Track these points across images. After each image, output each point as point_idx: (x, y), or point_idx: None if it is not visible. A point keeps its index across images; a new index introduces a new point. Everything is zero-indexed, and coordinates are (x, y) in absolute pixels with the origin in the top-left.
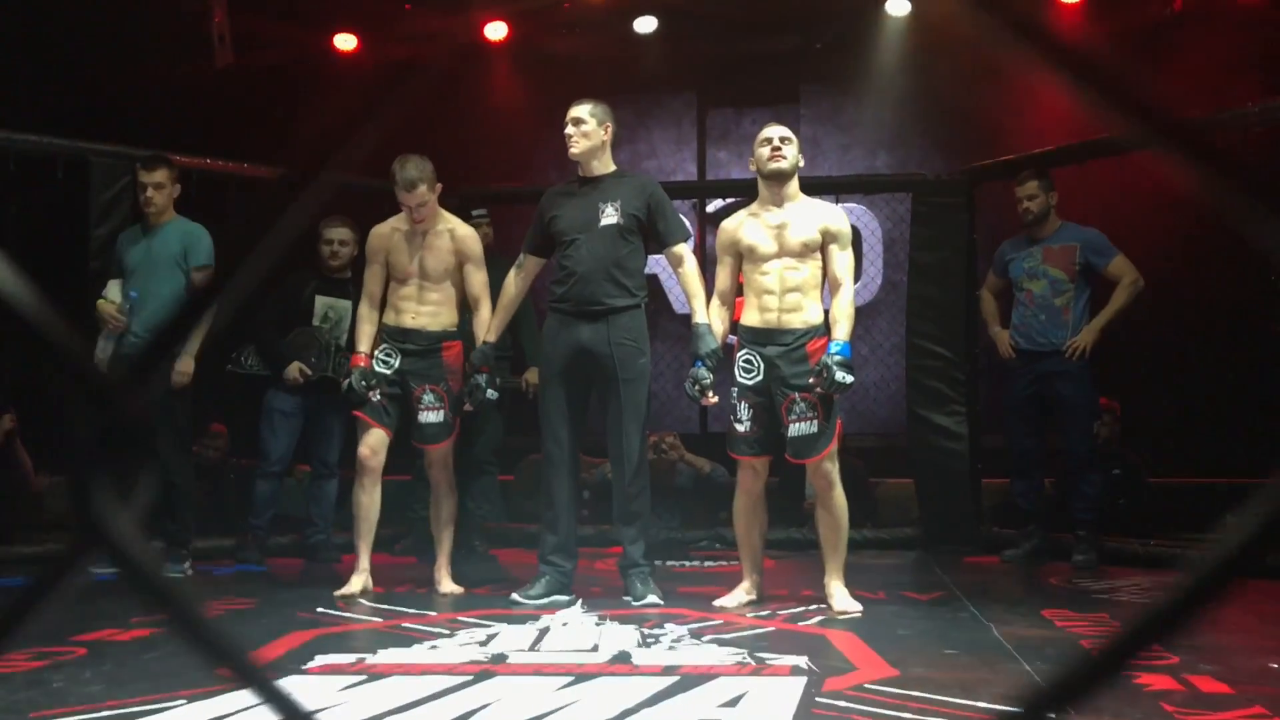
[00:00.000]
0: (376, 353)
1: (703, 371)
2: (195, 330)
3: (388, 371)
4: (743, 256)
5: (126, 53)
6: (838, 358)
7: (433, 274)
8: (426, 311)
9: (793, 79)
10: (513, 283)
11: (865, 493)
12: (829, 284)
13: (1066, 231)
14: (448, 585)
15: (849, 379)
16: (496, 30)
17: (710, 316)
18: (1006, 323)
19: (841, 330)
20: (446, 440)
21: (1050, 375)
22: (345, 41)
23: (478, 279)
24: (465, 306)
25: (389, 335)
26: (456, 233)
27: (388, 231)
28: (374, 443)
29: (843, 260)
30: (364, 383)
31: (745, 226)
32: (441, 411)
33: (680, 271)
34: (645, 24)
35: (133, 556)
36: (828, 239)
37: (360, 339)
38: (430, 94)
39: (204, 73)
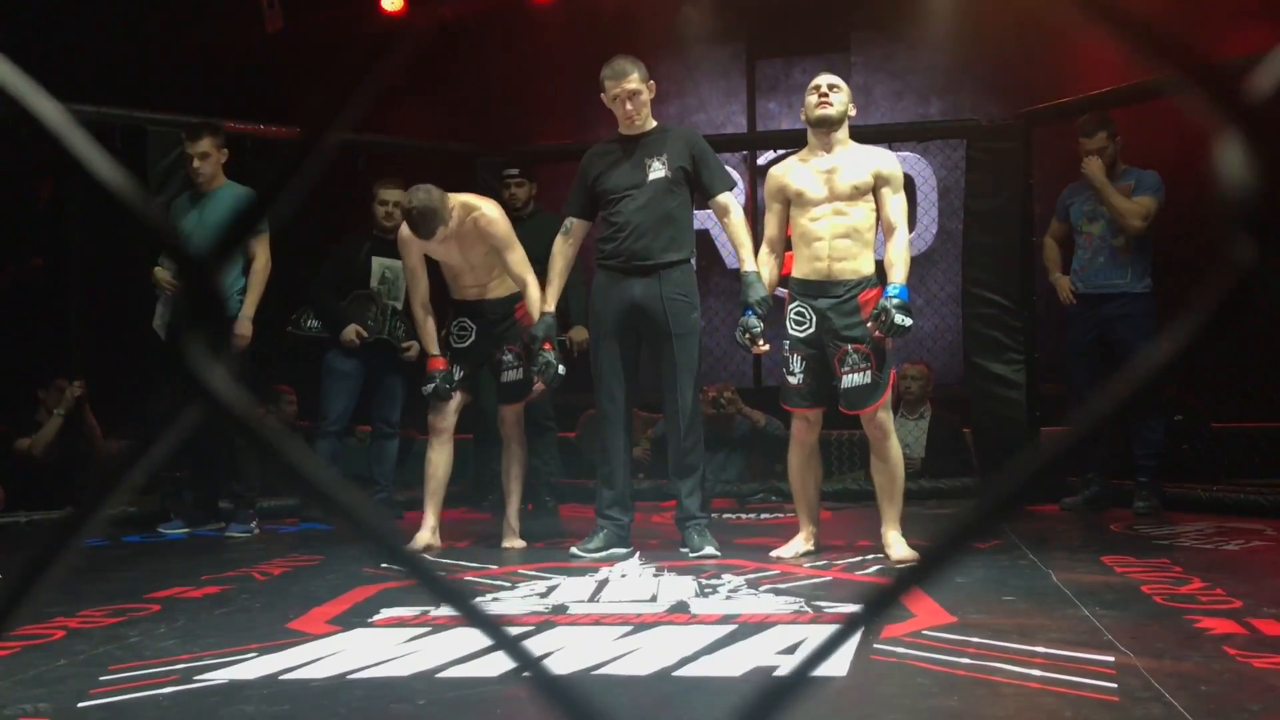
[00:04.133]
0: (452, 327)
1: (753, 320)
2: (250, 293)
3: (465, 345)
4: (791, 204)
5: (179, 21)
6: (896, 301)
7: (478, 264)
8: (491, 284)
9: (843, 26)
10: (562, 249)
11: (961, 445)
12: (883, 228)
13: (1127, 174)
14: (513, 540)
15: (908, 322)
16: None
17: (759, 265)
18: (1069, 270)
19: (898, 274)
20: (526, 397)
21: (1112, 319)
22: (392, 3)
23: (512, 259)
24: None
25: (461, 311)
26: (479, 221)
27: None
28: (449, 408)
29: (896, 203)
30: (447, 385)
31: (794, 172)
32: (520, 369)
33: (726, 221)
34: None
35: (229, 401)
36: (879, 182)
37: (427, 342)
38: (414, 58)
39: (255, 38)
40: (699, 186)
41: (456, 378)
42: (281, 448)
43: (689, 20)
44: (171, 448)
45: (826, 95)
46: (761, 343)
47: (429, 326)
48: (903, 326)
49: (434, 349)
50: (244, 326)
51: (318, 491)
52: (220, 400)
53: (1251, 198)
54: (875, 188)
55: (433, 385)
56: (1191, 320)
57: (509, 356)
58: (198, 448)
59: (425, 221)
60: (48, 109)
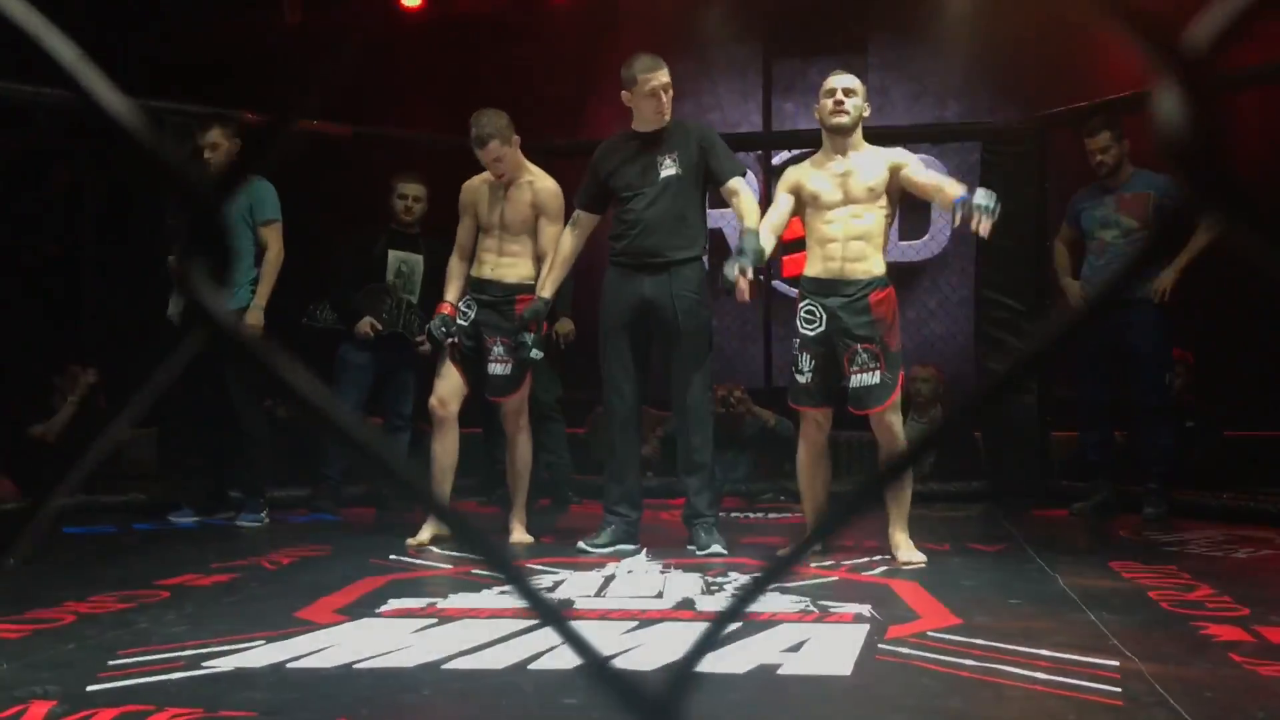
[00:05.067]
0: (459, 304)
1: (744, 260)
2: (262, 283)
3: (464, 323)
4: (805, 204)
5: (200, 12)
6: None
7: (512, 226)
8: (505, 263)
9: (860, 27)
10: (568, 239)
11: (971, 449)
12: (925, 192)
13: (1140, 179)
14: (519, 534)
15: (993, 198)
16: None
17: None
18: (1080, 275)
19: (958, 188)
20: (514, 393)
21: (1123, 326)
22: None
23: (549, 233)
24: None
25: (470, 287)
26: (535, 185)
27: (477, 184)
28: (444, 393)
29: (922, 169)
30: (443, 329)
31: (810, 175)
32: (509, 364)
33: (736, 201)
34: None
35: (232, 328)
36: (897, 169)
37: (449, 288)
38: (355, 62)
39: (274, 30)
40: (709, 175)
41: (458, 322)
42: (286, 373)
43: (706, 19)
44: (176, 371)
45: (842, 102)
46: (747, 278)
47: (459, 272)
48: (988, 206)
49: (452, 296)
50: (255, 316)
51: (320, 408)
52: (223, 327)
53: (1187, 147)
54: (894, 177)
55: (429, 325)
56: (1143, 247)
57: (499, 348)
58: (209, 437)
59: (484, 126)
60: (60, 46)
